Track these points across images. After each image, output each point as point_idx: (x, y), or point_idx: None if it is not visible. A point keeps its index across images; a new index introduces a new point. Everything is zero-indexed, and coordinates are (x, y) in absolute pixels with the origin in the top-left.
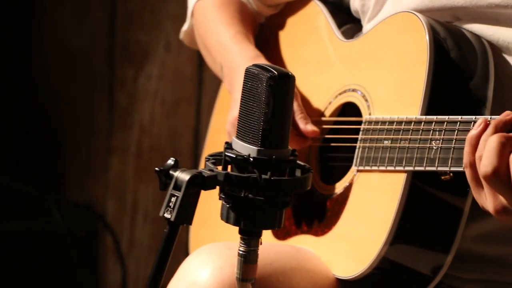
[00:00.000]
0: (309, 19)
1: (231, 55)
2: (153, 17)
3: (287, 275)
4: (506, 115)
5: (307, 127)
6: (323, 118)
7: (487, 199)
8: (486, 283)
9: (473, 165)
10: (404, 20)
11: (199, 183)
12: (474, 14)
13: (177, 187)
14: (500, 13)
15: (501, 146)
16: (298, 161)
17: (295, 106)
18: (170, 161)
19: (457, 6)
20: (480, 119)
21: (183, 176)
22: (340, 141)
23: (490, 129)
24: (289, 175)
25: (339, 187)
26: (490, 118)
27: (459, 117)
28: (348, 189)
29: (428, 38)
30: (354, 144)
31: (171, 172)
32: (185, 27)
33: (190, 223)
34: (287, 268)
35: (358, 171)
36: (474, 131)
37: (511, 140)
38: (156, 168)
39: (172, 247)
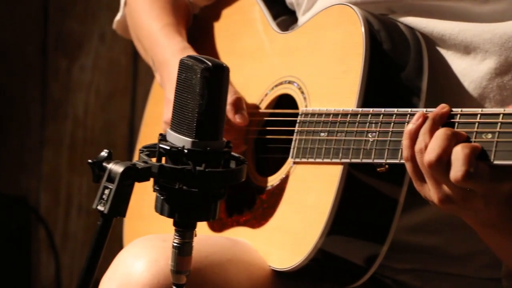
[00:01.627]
0: (244, 10)
1: (160, 48)
2: (87, 7)
3: (223, 267)
4: (442, 108)
5: (236, 118)
6: (259, 110)
7: (431, 190)
8: (419, 273)
9: (413, 159)
10: (340, 13)
11: (133, 175)
12: (408, 6)
13: (110, 179)
14: (433, 5)
15: (446, 137)
16: (233, 153)
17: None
18: (103, 153)
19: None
20: (418, 113)
21: (116, 168)
22: (276, 133)
23: (428, 122)
24: (223, 167)
25: (276, 179)
26: (427, 111)
27: (395, 109)
28: (284, 181)
29: (363, 31)
30: (291, 136)
31: (104, 164)
32: (118, 16)
33: (124, 215)
34: (223, 260)
35: (294, 163)
36: (412, 125)
37: (456, 134)
38: (89, 160)
39: (106, 240)
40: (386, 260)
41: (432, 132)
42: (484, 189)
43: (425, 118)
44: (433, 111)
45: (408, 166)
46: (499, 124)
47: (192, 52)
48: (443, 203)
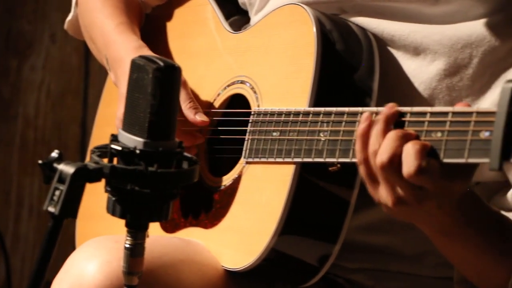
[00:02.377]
0: (196, 10)
1: (114, 47)
2: (37, 7)
3: (176, 268)
4: (391, 107)
5: (196, 117)
6: (212, 110)
7: (384, 193)
8: (371, 272)
9: (367, 161)
10: (291, 13)
11: (84, 176)
12: (359, 7)
13: (61, 180)
14: (384, 6)
15: (397, 137)
16: (185, 153)
17: (184, 95)
18: (54, 154)
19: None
20: (365, 114)
21: (67, 169)
22: (229, 133)
23: (380, 123)
24: (176, 167)
25: (228, 179)
26: (378, 110)
27: (346, 109)
28: (237, 181)
29: (315, 31)
30: (243, 136)
31: (55, 165)
32: (69, 16)
33: (75, 217)
34: (176, 261)
35: (247, 162)
36: (363, 127)
37: (406, 135)
38: (40, 161)
39: (56, 241)
40: (338, 259)
41: (385, 133)
42: (436, 187)
43: (371, 121)
44: (382, 112)
45: (362, 169)
46: (448, 122)
47: (147, 51)
48: (397, 205)
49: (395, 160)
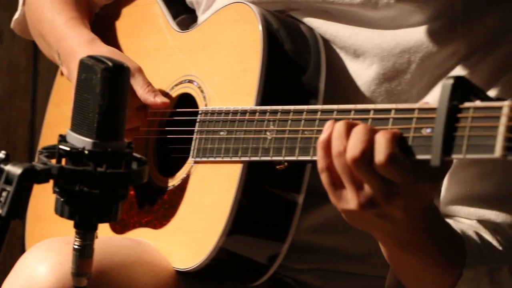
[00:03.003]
0: (144, 9)
1: (66, 41)
2: None
3: (128, 269)
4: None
5: (156, 99)
6: (160, 110)
7: (350, 195)
8: (320, 272)
9: (329, 168)
10: (237, 11)
11: (32, 176)
12: (304, 7)
13: (8, 181)
14: (327, 7)
15: (366, 131)
16: (134, 154)
17: (141, 80)
18: (1, 155)
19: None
20: (328, 122)
21: (14, 169)
22: (177, 133)
23: (342, 126)
24: (125, 167)
25: (177, 179)
26: (323, 109)
27: (292, 107)
28: (185, 181)
29: (261, 29)
30: (191, 136)
31: (1, 165)
32: (16, 15)
33: (23, 218)
34: (128, 262)
35: (195, 162)
36: (324, 135)
37: (373, 128)
38: None
39: (3, 243)
40: (287, 260)
41: (348, 132)
42: (406, 182)
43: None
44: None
45: (324, 177)
46: (391, 119)
47: (100, 43)
48: (364, 207)
49: (367, 153)
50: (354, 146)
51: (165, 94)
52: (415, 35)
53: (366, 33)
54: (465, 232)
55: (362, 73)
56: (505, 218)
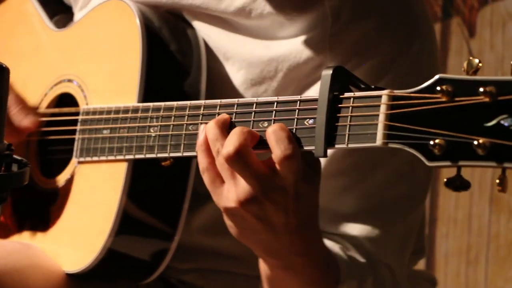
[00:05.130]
0: (17, 9)
1: None
2: None
3: (22, 273)
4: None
5: (22, 122)
6: (39, 111)
7: (229, 192)
8: (202, 272)
9: (210, 166)
10: (115, 8)
11: None
12: (179, 9)
13: None
14: (202, 13)
15: (242, 133)
16: (14, 156)
17: (12, 99)
18: None
19: (166, 5)
20: (201, 126)
21: None
22: (59, 134)
23: (215, 130)
24: (5, 170)
25: (61, 180)
26: (205, 103)
27: (175, 103)
28: (70, 182)
29: (139, 26)
30: (73, 136)
31: None
32: None
33: None
34: (21, 266)
35: (79, 162)
36: (201, 136)
37: (251, 132)
38: None
39: None
40: (171, 261)
41: (224, 135)
42: (295, 178)
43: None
44: (211, 121)
45: (206, 177)
46: (274, 112)
47: None
48: (244, 204)
49: (242, 153)
50: (230, 143)
51: (44, 95)
52: (285, 46)
53: (237, 39)
54: (333, 249)
55: (232, 76)
56: (363, 231)
